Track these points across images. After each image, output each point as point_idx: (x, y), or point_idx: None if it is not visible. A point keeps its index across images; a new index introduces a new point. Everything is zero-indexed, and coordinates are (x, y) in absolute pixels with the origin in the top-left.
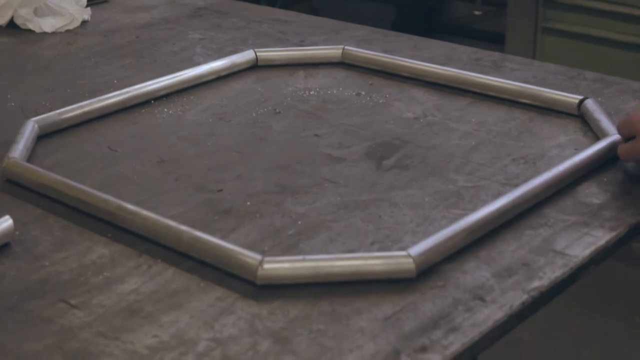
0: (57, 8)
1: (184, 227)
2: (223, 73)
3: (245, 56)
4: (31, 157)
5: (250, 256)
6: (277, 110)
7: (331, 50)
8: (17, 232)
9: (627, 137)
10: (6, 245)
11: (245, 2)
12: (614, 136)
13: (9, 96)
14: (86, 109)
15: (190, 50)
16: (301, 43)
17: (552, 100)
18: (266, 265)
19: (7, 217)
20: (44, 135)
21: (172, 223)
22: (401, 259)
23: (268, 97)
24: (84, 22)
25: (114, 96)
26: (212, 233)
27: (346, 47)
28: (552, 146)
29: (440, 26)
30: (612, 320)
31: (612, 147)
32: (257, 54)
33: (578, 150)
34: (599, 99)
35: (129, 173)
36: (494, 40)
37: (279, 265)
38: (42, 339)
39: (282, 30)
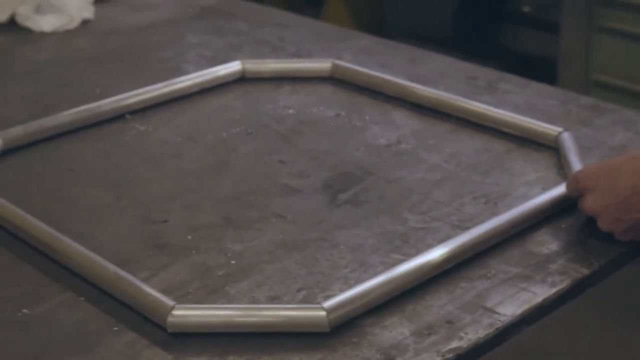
0: (59, 5)
1: (108, 264)
2: (207, 86)
3: (231, 68)
4: None
5: (162, 302)
6: (249, 131)
7: (320, 64)
8: None
9: (576, 197)
10: None
11: (252, 3)
12: None
13: None
14: (54, 123)
15: (182, 56)
16: (297, 52)
17: (530, 131)
18: (176, 312)
19: None
20: (11, 150)
21: (98, 259)
22: (314, 312)
23: (245, 114)
24: (85, 22)
25: (85, 110)
26: (141, 270)
27: (335, 62)
28: (520, 184)
29: (506, 14)
30: None
31: None
32: (245, 66)
33: (546, 189)
34: (586, 129)
35: (79, 197)
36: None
37: (189, 313)
38: None
39: (282, 37)
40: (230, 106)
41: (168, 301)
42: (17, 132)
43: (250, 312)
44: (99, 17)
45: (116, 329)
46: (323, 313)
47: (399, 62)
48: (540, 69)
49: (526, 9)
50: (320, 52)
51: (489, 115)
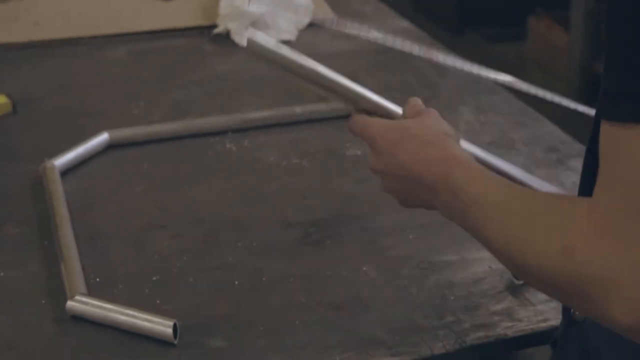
0: (271, 24)
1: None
2: (306, 118)
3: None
4: (85, 163)
5: (74, 288)
6: (305, 163)
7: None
8: None
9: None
10: None
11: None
12: None
13: (141, 103)
14: (155, 129)
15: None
16: None
17: None
18: (77, 298)
19: None
20: (115, 145)
21: (72, 245)
22: (166, 322)
23: (319, 148)
24: (283, 42)
25: (188, 123)
26: (109, 267)
27: None
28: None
29: None
30: None
31: None
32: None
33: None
34: None
35: (129, 194)
36: None
37: (84, 300)
38: None
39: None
40: (308, 140)
41: (81, 288)
42: (124, 133)
43: (121, 313)
44: (299, 41)
45: (43, 302)
46: (170, 324)
47: None
48: None
49: None
50: None
51: None
